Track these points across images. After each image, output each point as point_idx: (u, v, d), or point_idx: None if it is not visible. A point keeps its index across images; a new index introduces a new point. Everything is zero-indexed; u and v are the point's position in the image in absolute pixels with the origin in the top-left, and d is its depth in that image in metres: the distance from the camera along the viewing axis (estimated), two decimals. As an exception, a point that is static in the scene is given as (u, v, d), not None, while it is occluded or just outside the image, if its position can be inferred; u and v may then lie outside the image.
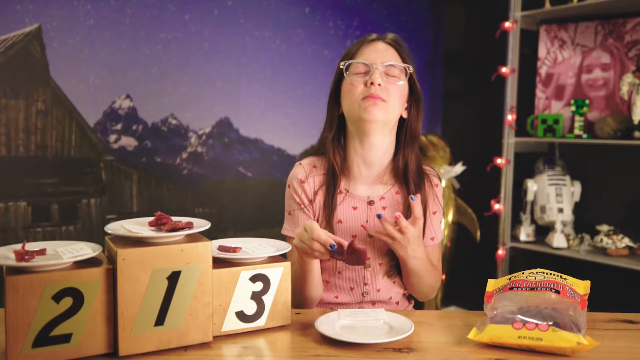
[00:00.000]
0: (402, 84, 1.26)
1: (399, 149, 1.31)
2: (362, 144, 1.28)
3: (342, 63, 1.28)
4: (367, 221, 1.27)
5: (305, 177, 1.30)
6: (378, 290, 1.31)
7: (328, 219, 1.27)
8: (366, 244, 1.28)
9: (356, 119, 1.25)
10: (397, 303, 1.35)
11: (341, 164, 1.29)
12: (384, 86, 1.23)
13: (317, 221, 1.30)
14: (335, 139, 1.30)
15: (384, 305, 1.32)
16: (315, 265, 1.20)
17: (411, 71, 1.28)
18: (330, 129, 1.30)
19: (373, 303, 1.33)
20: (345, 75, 1.27)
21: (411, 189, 1.28)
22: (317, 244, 1.08)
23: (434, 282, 1.32)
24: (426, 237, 1.31)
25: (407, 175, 1.29)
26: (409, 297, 1.42)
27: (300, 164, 1.34)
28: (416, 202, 1.16)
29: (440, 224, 1.38)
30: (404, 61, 1.28)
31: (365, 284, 1.30)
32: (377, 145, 1.28)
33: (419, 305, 1.35)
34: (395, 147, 1.32)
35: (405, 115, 1.31)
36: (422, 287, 1.30)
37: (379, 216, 1.17)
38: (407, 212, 1.25)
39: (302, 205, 1.30)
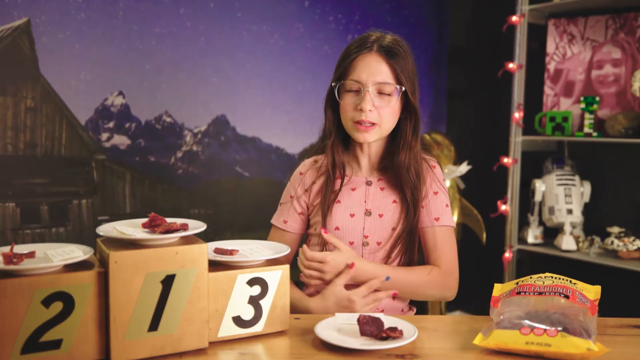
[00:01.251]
0: (395, 102, 1.29)
1: (395, 152, 1.33)
2: (361, 146, 1.37)
3: (333, 83, 1.33)
4: (365, 200, 1.34)
5: (305, 171, 1.41)
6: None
7: (325, 201, 1.34)
8: (364, 221, 1.33)
9: (351, 136, 1.33)
10: (394, 296, 1.32)
11: (341, 160, 1.37)
12: (374, 109, 1.27)
13: (312, 207, 1.38)
14: (336, 142, 1.37)
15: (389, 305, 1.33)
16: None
17: (404, 90, 1.29)
18: (329, 135, 1.37)
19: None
20: (336, 93, 1.32)
21: (407, 194, 1.32)
22: (314, 263, 1.24)
23: (432, 283, 1.31)
24: (429, 218, 1.34)
25: (402, 181, 1.32)
26: (410, 303, 1.42)
27: (304, 161, 1.44)
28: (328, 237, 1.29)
29: (447, 207, 1.36)
30: (397, 77, 1.28)
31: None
32: (374, 147, 1.37)
33: (422, 311, 1.32)
34: (391, 140, 1.37)
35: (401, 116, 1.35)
36: (420, 295, 1.35)
37: (387, 278, 1.26)
38: (401, 196, 1.33)
39: (293, 197, 1.39)
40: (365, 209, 1.33)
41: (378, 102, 1.27)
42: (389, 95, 1.28)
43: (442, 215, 1.34)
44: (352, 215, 1.33)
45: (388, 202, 1.33)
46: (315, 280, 1.26)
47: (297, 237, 1.41)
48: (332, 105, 1.35)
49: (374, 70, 1.27)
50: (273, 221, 1.42)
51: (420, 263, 1.37)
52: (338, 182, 1.35)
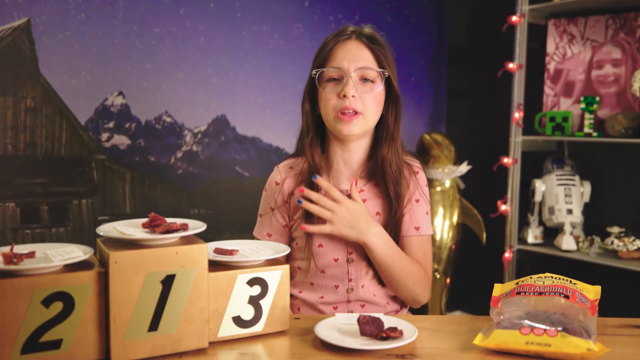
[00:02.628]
0: (379, 90, 1.24)
1: (377, 148, 1.29)
2: (342, 147, 1.30)
3: (313, 71, 1.26)
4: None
5: (281, 180, 1.32)
6: (363, 286, 1.29)
7: (306, 214, 1.26)
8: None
9: (333, 130, 1.26)
10: (388, 303, 1.32)
11: (320, 163, 1.29)
12: (358, 96, 1.21)
13: (291, 219, 1.31)
14: (314, 141, 1.29)
15: (372, 306, 1.31)
16: None
17: (387, 75, 1.24)
18: (307, 133, 1.29)
19: (362, 305, 1.31)
20: (317, 82, 1.25)
21: (390, 188, 1.26)
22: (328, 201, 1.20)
23: (417, 278, 1.27)
24: (409, 227, 1.30)
25: (385, 176, 1.27)
26: (402, 303, 1.39)
27: (277, 168, 1.35)
28: (353, 187, 1.21)
29: (427, 215, 1.34)
30: (379, 63, 1.24)
31: (350, 280, 1.29)
32: (355, 149, 1.29)
33: (422, 311, 1.31)
34: (373, 142, 1.31)
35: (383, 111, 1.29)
36: (401, 283, 1.27)
37: (299, 201, 1.23)
38: (387, 205, 1.27)
39: (274, 209, 1.31)
40: None
41: (361, 88, 1.21)
42: (372, 81, 1.22)
43: (422, 224, 1.31)
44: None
45: (371, 215, 1.26)
46: (325, 216, 1.19)
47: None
48: (311, 99, 1.28)
49: (355, 56, 1.22)
50: (256, 234, 1.34)
51: None
52: (320, 192, 1.26)
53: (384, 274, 1.26)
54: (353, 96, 1.20)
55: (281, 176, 1.32)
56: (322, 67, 1.24)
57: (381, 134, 1.28)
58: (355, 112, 1.21)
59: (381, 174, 1.27)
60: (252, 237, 1.35)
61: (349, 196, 1.26)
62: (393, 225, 1.27)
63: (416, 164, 1.34)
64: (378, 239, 1.22)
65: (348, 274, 1.28)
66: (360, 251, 1.28)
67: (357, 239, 1.22)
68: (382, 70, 1.23)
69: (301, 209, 1.26)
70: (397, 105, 1.27)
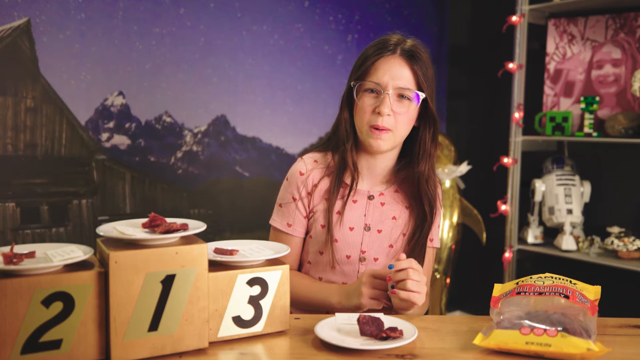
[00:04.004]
0: (413, 108, 1.26)
1: (413, 162, 1.31)
2: (369, 156, 1.32)
3: (352, 82, 1.28)
4: (365, 215, 1.31)
5: (307, 171, 1.33)
6: None
7: (328, 210, 1.29)
8: (363, 236, 1.30)
9: (364, 142, 1.28)
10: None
11: (353, 167, 1.31)
12: (392, 114, 1.23)
13: (312, 212, 1.32)
14: (353, 147, 1.32)
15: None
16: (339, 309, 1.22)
17: (424, 97, 1.25)
18: (347, 138, 1.30)
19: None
20: (355, 93, 1.27)
21: (425, 203, 1.29)
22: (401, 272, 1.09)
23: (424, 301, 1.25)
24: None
25: (421, 192, 1.29)
26: None
27: (302, 158, 1.36)
28: (399, 262, 1.11)
29: (438, 228, 1.38)
30: (418, 83, 1.25)
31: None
32: (380, 160, 1.32)
33: None
34: (402, 153, 1.34)
35: (416, 124, 1.31)
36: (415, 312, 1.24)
37: (390, 267, 1.13)
38: (413, 215, 1.31)
39: (297, 199, 1.32)
40: (365, 224, 1.30)
41: (397, 107, 1.24)
42: (409, 100, 1.24)
43: (435, 236, 1.35)
44: (351, 229, 1.30)
45: (387, 218, 1.31)
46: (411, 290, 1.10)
47: (302, 241, 1.35)
48: (349, 107, 1.31)
49: (396, 74, 1.24)
50: (274, 223, 1.34)
51: None
52: (346, 190, 1.30)
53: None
54: (388, 114, 1.22)
55: (306, 167, 1.33)
56: (362, 79, 1.26)
57: (417, 150, 1.30)
58: (387, 130, 1.24)
59: (417, 189, 1.30)
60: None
61: (370, 198, 1.31)
62: (423, 239, 1.30)
63: (436, 178, 1.36)
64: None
65: (358, 272, 1.30)
66: (374, 252, 1.30)
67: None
68: (419, 92, 1.25)
69: (323, 205, 1.29)
70: (434, 125, 1.30)
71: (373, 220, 1.30)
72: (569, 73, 2.53)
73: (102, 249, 0.92)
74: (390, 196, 1.33)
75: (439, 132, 1.32)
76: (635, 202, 2.45)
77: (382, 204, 1.31)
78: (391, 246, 1.31)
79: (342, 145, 1.30)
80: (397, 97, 1.24)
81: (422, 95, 1.25)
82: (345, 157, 1.29)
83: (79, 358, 0.88)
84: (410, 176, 1.31)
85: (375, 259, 1.30)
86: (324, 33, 2.66)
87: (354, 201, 1.31)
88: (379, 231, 1.30)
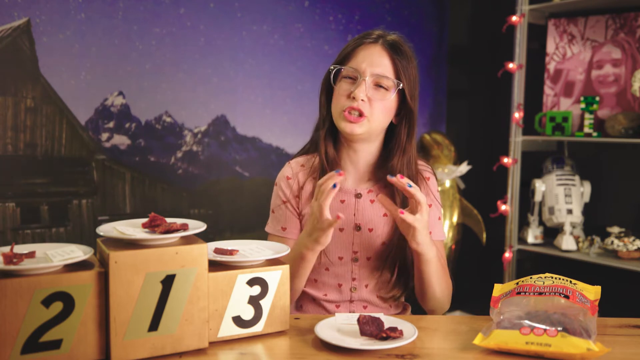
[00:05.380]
0: (390, 99, 1.24)
1: (388, 157, 1.28)
2: (348, 147, 1.30)
3: (331, 67, 1.27)
4: (354, 214, 1.29)
5: (293, 174, 1.33)
6: (366, 286, 1.30)
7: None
8: (353, 236, 1.29)
9: (338, 127, 1.26)
10: (390, 307, 1.33)
11: (332, 159, 1.30)
12: (367, 100, 1.21)
13: (301, 215, 1.32)
14: (328, 135, 1.30)
15: (375, 308, 1.31)
16: (315, 254, 1.20)
17: (401, 87, 1.23)
18: (323, 125, 1.30)
19: (364, 307, 1.31)
20: (332, 78, 1.27)
21: (397, 199, 1.26)
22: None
23: (446, 285, 1.28)
24: None
25: (394, 186, 1.22)
26: (405, 305, 1.40)
27: (289, 163, 1.37)
28: (414, 188, 1.11)
29: (439, 220, 1.34)
30: (397, 73, 1.23)
31: (354, 279, 1.29)
32: (361, 151, 1.30)
33: (421, 310, 1.31)
34: (383, 148, 1.31)
35: (395, 122, 1.29)
36: (436, 291, 1.24)
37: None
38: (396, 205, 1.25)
39: (286, 203, 1.32)
40: (355, 224, 1.28)
41: (372, 93, 1.21)
42: (386, 89, 1.22)
43: (434, 228, 1.30)
44: (341, 230, 1.28)
45: (378, 216, 1.29)
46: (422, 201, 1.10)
47: None
48: (327, 92, 1.29)
49: (374, 61, 1.22)
50: (269, 230, 1.34)
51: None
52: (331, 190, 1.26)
53: (423, 284, 1.23)
54: (362, 100, 1.20)
55: (292, 171, 1.33)
56: (341, 64, 1.25)
57: (393, 144, 1.28)
58: (361, 115, 1.21)
59: (389, 185, 1.25)
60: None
61: (358, 196, 1.29)
62: (402, 243, 1.26)
63: (428, 170, 1.34)
64: (431, 251, 1.19)
65: (352, 272, 1.29)
66: (366, 252, 1.28)
67: (422, 243, 1.16)
68: (397, 81, 1.23)
69: (311, 201, 1.22)
70: (410, 120, 1.27)
71: (364, 220, 1.28)
72: (569, 73, 2.53)
73: (102, 249, 0.92)
74: (379, 192, 1.29)
75: (415, 128, 1.28)
76: (635, 202, 2.45)
77: (372, 201, 1.29)
78: (384, 244, 1.29)
79: (317, 131, 1.30)
80: (374, 85, 1.22)
81: (400, 85, 1.23)
82: (319, 143, 1.28)
83: (79, 358, 0.88)
84: (385, 171, 1.27)
85: (369, 258, 1.29)
86: (324, 33, 2.66)
87: (342, 201, 1.29)
88: (370, 230, 1.28)
